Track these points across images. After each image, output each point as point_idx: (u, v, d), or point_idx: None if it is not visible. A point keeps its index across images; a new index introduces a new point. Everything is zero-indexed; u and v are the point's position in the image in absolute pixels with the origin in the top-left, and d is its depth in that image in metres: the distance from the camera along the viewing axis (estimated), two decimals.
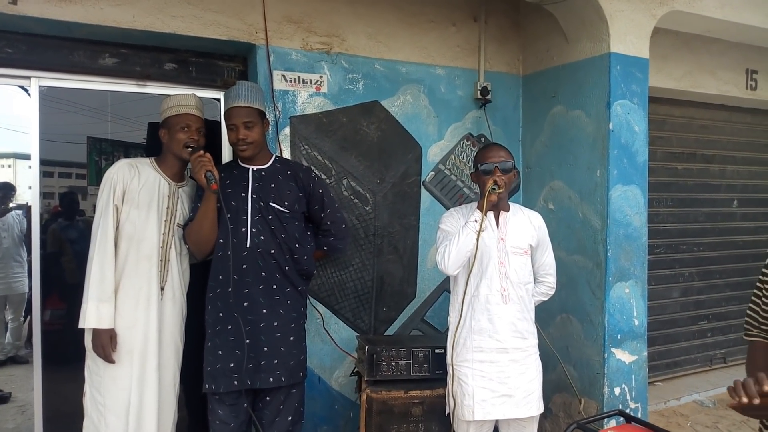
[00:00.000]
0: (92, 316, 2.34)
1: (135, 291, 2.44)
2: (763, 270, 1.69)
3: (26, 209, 5.50)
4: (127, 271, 2.43)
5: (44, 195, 3.88)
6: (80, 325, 2.36)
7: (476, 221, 2.33)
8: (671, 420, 3.98)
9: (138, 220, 2.45)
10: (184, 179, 2.64)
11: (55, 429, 2.98)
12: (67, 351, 3.21)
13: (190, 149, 2.48)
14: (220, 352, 2.45)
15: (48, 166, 3.65)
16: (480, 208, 2.35)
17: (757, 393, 1.25)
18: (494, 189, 2.33)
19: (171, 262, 2.52)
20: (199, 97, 2.60)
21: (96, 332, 2.37)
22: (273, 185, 2.55)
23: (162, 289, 2.50)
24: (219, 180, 2.39)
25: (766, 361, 1.63)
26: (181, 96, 2.54)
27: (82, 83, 2.91)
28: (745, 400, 1.25)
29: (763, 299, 1.69)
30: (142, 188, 2.47)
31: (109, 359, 2.37)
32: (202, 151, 2.42)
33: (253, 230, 2.47)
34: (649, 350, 3.36)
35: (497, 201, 2.39)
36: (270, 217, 2.50)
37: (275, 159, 2.66)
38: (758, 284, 1.72)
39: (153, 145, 2.81)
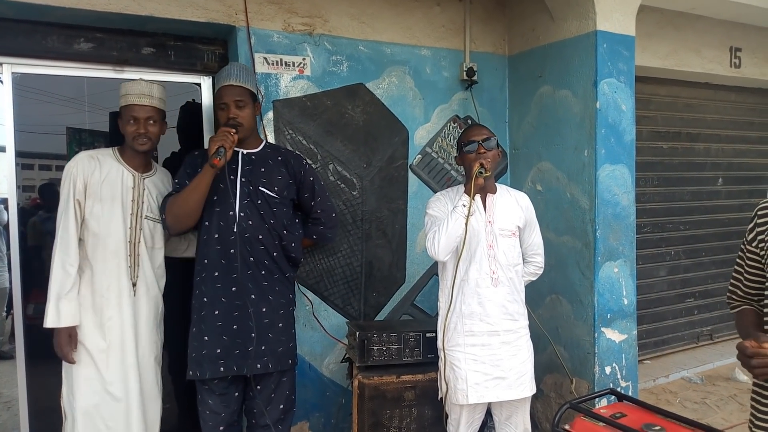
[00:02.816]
0: (52, 315, 2.26)
1: (103, 288, 2.35)
2: (741, 246, 1.71)
3: (5, 202, 5.39)
4: (95, 268, 2.35)
5: (24, 188, 3.78)
6: (45, 325, 2.28)
7: (464, 206, 2.30)
8: (660, 397, 4.02)
9: (102, 214, 2.35)
10: (150, 168, 2.53)
11: (42, 424, 2.93)
12: (51, 345, 3.15)
13: (233, 127, 2.35)
14: (205, 337, 2.40)
15: (27, 158, 3.54)
16: (468, 192, 2.32)
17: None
18: (481, 173, 2.30)
19: (141, 256, 2.43)
20: (154, 82, 2.45)
21: (55, 331, 2.29)
22: (263, 169, 2.50)
23: (134, 285, 2.42)
24: (225, 163, 2.30)
25: (756, 320, 1.66)
26: (129, 84, 2.39)
27: (57, 69, 2.82)
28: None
29: (745, 275, 1.71)
30: (104, 181, 2.36)
31: (67, 359, 2.31)
32: (234, 130, 2.33)
33: (242, 214, 2.42)
34: (637, 329, 3.38)
35: (484, 183, 2.37)
36: (259, 202, 2.45)
37: (266, 144, 2.61)
38: (738, 260, 1.74)
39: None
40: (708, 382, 4.32)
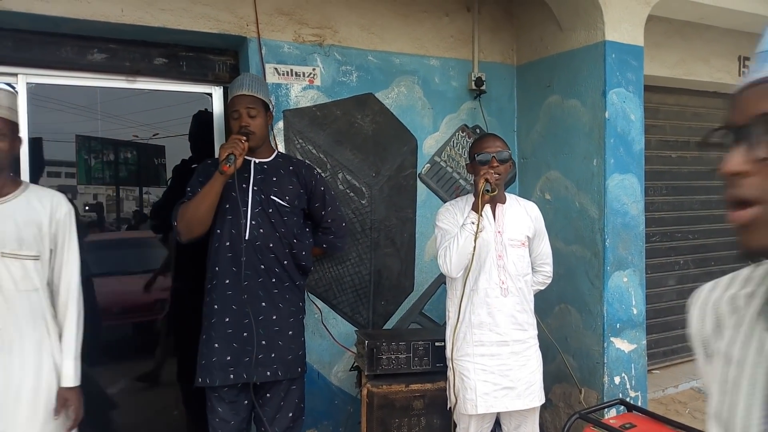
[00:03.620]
0: None
1: None
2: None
3: None
4: None
5: None
6: None
7: (473, 223, 2.31)
8: (670, 407, 3.99)
9: None
10: (11, 191, 2.05)
11: None
12: None
13: (244, 135, 2.32)
14: (216, 345, 2.41)
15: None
16: (475, 209, 2.33)
17: None
18: (488, 190, 2.29)
19: (5, 295, 1.97)
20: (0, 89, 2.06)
21: None
22: (275, 179, 2.52)
23: None
24: (235, 171, 2.31)
25: None
26: None
27: (70, 79, 2.86)
28: None
29: None
30: None
31: None
32: (245, 138, 2.35)
33: (253, 222, 2.44)
34: (646, 338, 3.36)
35: (490, 200, 2.38)
36: (270, 210, 2.47)
37: (278, 154, 2.63)
38: None
39: None
40: None
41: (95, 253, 4.34)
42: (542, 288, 2.69)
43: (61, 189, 4.06)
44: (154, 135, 4.00)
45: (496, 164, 2.37)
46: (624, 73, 3.17)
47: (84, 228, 4.38)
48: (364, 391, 2.66)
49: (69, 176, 3.68)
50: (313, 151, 3.10)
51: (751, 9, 3.73)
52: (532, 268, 2.60)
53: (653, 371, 4.47)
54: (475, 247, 2.31)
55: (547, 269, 2.66)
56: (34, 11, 2.52)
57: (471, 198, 2.47)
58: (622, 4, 3.16)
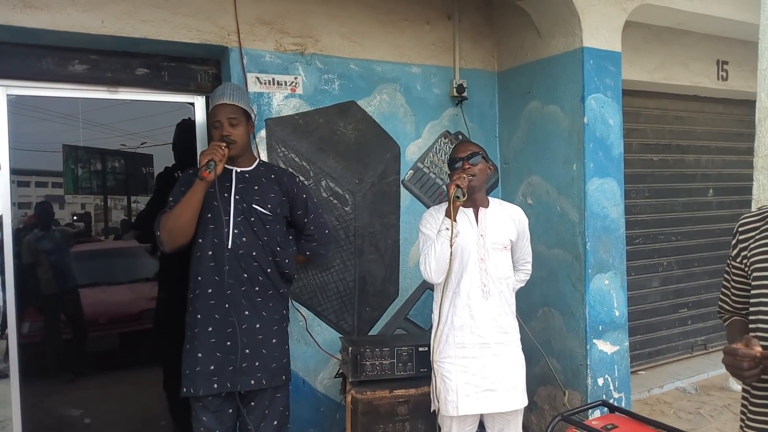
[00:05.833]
0: None
1: None
2: (728, 261, 1.75)
3: None
4: None
5: (20, 205, 3.81)
6: None
7: (447, 229, 2.35)
8: (655, 408, 4.03)
9: None
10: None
11: None
12: (45, 364, 3.14)
13: (225, 142, 2.34)
14: (199, 354, 2.41)
15: (23, 176, 3.57)
16: (448, 215, 2.37)
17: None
18: (458, 197, 2.33)
19: None
20: None
21: None
22: (256, 187, 2.53)
23: None
24: (215, 178, 2.32)
25: (744, 329, 1.70)
26: None
27: (52, 91, 2.86)
28: (758, 349, 1.38)
29: (732, 289, 1.75)
30: None
31: None
32: (225, 144, 2.37)
33: (235, 231, 2.45)
34: (631, 340, 3.40)
35: (461, 205, 2.41)
36: (252, 219, 2.48)
37: (259, 163, 2.64)
38: (725, 275, 1.78)
39: None
40: (702, 391, 4.33)
41: (82, 263, 4.33)
42: (522, 285, 2.73)
43: (48, 199, 4.08)
44: (141, 144, 4.00)
45: (467, 166, 2.44)
46: (602, 79, 3.22)
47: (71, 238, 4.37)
48: (348, 398, 2.67)
49: (56, 186, 3.67)
50: (296, 159, 3.12)
51: (727, 15, 3.80)
52: (515, 267, 2.64)
53: (638, 372, 4.51)
54: (451, 254, 2.34)
55: (528, 267, 2.73)
56: (14, 23, 2.52)
57: None
58: (599, 11, 3.21)
